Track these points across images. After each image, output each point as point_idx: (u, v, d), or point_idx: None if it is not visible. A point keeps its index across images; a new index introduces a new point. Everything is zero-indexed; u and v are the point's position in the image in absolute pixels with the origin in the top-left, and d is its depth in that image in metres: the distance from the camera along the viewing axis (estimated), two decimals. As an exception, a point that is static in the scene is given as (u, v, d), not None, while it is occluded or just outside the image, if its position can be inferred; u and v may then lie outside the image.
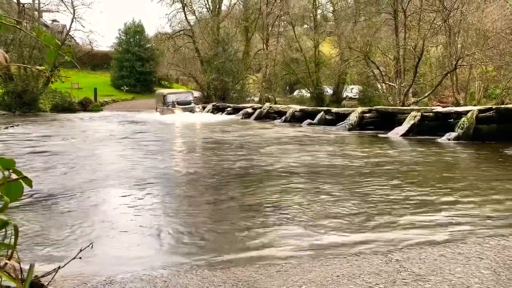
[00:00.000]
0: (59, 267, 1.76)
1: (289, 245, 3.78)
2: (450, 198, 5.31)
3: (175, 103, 25.98)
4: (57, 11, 35.33)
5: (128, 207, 5.24)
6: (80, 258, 1.89)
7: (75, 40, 39.90)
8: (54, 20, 42.58)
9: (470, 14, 20.28)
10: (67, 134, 15.39)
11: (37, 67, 1.82)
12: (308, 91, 35.55)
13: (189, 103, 26.69)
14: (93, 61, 46.49)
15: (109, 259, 3.55)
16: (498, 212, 4.64)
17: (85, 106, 33.79)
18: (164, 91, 29.97)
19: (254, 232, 4.17)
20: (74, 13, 33.51)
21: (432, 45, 25.66)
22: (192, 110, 25.73)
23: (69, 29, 35.24)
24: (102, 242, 3.94)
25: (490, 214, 4.55)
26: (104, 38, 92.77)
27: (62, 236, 4.15)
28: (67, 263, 1.96)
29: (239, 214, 4.86)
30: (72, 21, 34.07)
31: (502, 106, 12.69)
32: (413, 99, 21.92)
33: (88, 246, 1.87)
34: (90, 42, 37.03)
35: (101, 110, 33.93)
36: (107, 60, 46.16)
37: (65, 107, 32.33)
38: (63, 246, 3.87)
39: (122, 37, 45.28)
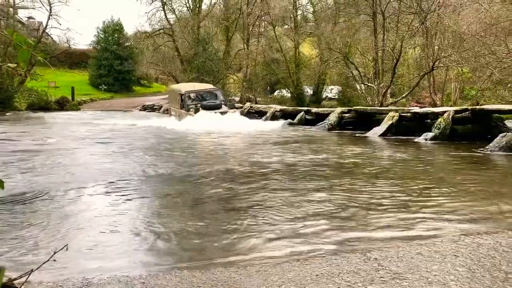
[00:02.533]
0: (32, 270, 1.71)
1: (269, 245, 3.78)
2: (426, 197, 5.40)
3: (199, 106, 18.45)
4: (33, 8, 34.59)
5: (106, 208, 5.16)
6: (55, 260, 1.85)
7: (51, 37, 39.15)
8: (30, 17, 41.65)
9: (447, 17, 20.70)
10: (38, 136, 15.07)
11: (9, 64, 1.76)
12: (289, 91, 35.68)
13: (218, 106, 18.93)
14: (71, 59, 45.67)
15: (86, 261, 3.49)
16: (473, 210, 4.74)
17: (62, 105, 33.15)
18: (181, 87, 21.05)
19: (234, 232, 4.16)
20: (50, 10, 32.86)
21: (409, 46, 26.09)
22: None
23: (46, 26, 34.52)
24: (79, 244, 3.86)
25: (465, 212, 4.65)
26: (82, 36, 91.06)
27: (38, 238, 4.06)
28: (41, 265, 1.92)
29: (219, 215, 4.83)
30: (48, 18, 33.39)
31: (477, 107, 12.99)
32: (391, 100, 22.23)
33: (63, 248, 1.83)
34: (67, 40, 36.38)
35: (79, 109, 33.35)
36: (85, 59, 45.39)
37: (42, 106, 31.65)
38: (38, 249, 3.78)
39: (101, 35, 44.61)
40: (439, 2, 20.59)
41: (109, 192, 5.95)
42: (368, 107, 17.64)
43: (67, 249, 1.92)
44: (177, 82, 37.21)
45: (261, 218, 4.58)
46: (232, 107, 19.59)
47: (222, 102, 19.53)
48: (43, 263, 1.91)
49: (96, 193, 5.96)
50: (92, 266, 3.37)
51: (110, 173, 7.30)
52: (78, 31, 67.98)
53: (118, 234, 4.17)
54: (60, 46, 38.60)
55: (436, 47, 22.02)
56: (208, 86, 21.94)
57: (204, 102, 18.94)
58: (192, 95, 19.59)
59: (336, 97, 34.22)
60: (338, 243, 3.75)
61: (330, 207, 4.98)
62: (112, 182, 6.56)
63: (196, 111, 18.10)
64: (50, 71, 33.83)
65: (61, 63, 43.28)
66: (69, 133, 15.21)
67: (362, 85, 24.31)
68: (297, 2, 35.44)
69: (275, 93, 39.31)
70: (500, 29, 14.64)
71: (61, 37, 38.79)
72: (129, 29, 57.18)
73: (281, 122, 18.46)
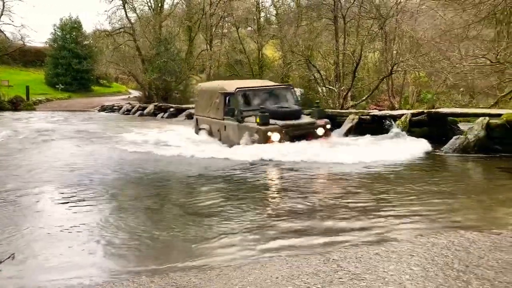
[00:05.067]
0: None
1: (230, 249, 3.76)
2: (383, 198, 5.53)
3: (266, 114, 9.90)
4: (-16, 3, 32.97)
5: (63, 212, 4.98)
6: (0, 270, 1.75)
7: (4, 34, 37.46)
8: (-20, 12, 39.66)
9: (404, 23, 21.37)
10: None
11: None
12: (252, 93, 35.72)
13: (296, 113, 10.74)
14: (25, 57, 43.93)
15: (40, 268, 3.34)
16: (428, 209, 4.90)
17: (16, 104, 31.79)
18: (225, 84, 12.21)
19: (194, 237, 4.11)
20: (3, 5, 31.45)
21: (369, 51, 26.73)
22: (307, 133, 10.10)
23: (-2, 22, 33.00)
24: (33, 250, 3.70)
25: (421, 212, 4.79)
26: (37, 34, 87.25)
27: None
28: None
29: (179, 220, 4.77)
30: (1, 14, 31.92)
31: (433, 110, 13.44)
32: (351, 103, 22.68)
33: (9, 257, 1.73)
34: (21, 37, 34.91)
35: (34, 109, 32.08)
36: (41, 57, 43.73)
37: (-6, 105, 30.24)
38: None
39: (58, 33, 43.11)
40: (397, 8, 21.24)
41: (67, 195, 5.74)
42: (329, 110, 17.91)
43: (13, 258, 1.82)
44: (138, 82, 36.40)
45: (221, 223, 4.55)
46: (320, 115, 10.91)
47: (299, 109, 11.08)
48: (-12, 273, 1.81)
49: (54, 196, 5.75)
50: (46, 275, 3.23)
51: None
52: (33, 28, 64.89)
53: (74, 239, 4.02)
54: (14, 43, 37.03)
55: (395, 52, 22.70)
56: (268, 83, 13.18)
57: (272, 107, 10.32)
58: (247, 95, 10.93)
59: (299, 99, 34.60)
60: (298, 246, 3.77)
61: (289, 210, 5.01)
62: (70, 185, 6.33)
63: (263, 120, 9.53)
64: (3, 68, 32.44)
65: (15, 61, 41.59)
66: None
67: (324, 87, 24.69)
68: (260, 4, 35.61)
69: (238, 95, 39.32)
70: (454, 35, 15.25)
71: (15, 34, 37.21)
72: (88, 27, 55.44)
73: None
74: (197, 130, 12.50)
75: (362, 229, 4.21)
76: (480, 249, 3.45)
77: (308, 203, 5.21)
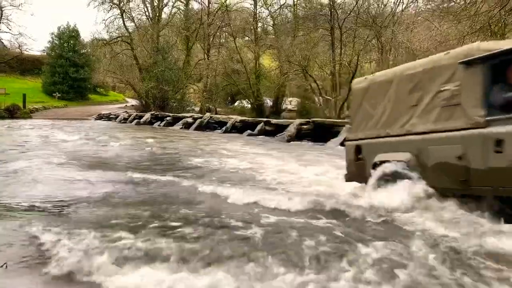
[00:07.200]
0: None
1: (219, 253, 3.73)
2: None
3: None
4: (-18, 11, 33.09)
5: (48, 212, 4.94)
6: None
7: (2, 42, 37.57)
8: (-22, 21, 39.78)
9: (400, 33, 21.58)
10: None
11: None
12: (249, 102, 35.90)
13: None
14: (22, 65, 44.05)
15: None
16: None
17: (13, 112, 31.80)
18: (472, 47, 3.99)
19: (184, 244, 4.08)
20: (1, 14, 31.58)
21: (365, 61, 26.96)
22: None
23: (-4, 30, 33.12)
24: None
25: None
26: (35, 42, 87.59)
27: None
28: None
29: (167, 226, 4.74)
30: (-1, 22, 32.06)
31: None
32: (347, 112, 22.82)
33: (2, 266, 1.72)
34: (19, 46, 35.05)
35: (30, 117, 32.05)
36: (38, 65, 43.82)
37: (-10, 113, 30.21)
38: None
39: (55, 42, 43.27)
40: (392, 18, 21.49)
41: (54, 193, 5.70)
42: (326, 120, 18.01)
43: (6, 267, 1.81)
44: (135, 91, 36.44)
45: (210, 230, 4.53)
46: None
47: None
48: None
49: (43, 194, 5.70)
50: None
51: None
52: (31, 36, 65.13)
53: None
54: (11, 52, 37.15)
55: (391, 62, 22.90)
56: None
57: None
58: None
59: (295, 109, 34.70)
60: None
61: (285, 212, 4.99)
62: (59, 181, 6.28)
63: None
64: (0, 76, 32.48)
65: (12, 69, 41.68)
66: None
67: (320, 97, 24.85)
68: (257, 14, 35.90)
69: (236, 104, 39.48)
70: (449, 47, 15.41)
71: (13, 42, 37.31)
72: (85, 36, 55.74)
73: None
74: (361, 169, 5.33)
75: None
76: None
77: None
